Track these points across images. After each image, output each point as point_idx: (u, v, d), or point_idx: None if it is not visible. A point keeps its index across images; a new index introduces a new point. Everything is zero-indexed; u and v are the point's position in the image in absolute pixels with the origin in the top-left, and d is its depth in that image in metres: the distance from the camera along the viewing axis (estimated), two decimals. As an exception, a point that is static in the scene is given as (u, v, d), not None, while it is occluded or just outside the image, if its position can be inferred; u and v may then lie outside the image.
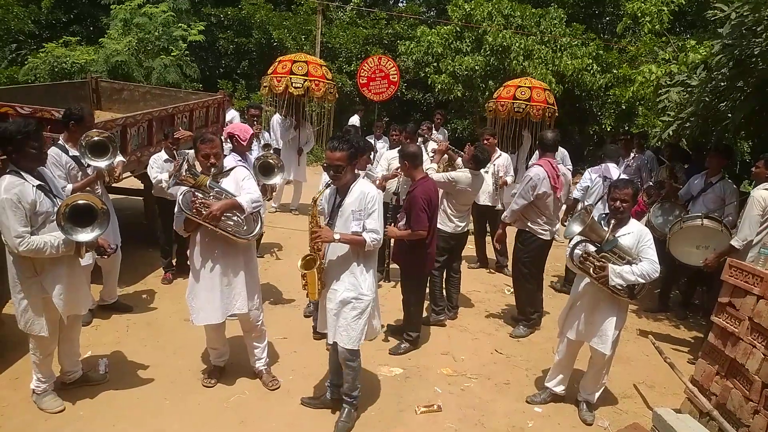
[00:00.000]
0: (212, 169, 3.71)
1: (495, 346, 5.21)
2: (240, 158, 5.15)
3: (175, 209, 3.72)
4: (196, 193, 3.64)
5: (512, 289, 6.32)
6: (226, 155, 5.09)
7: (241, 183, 3.81)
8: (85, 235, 3.29)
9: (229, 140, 5.35)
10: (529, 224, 5.29)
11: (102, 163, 4.41)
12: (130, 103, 8.00)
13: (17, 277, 3.37)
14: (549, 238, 5.36)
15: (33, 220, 3.26)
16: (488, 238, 7.47)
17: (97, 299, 4.96)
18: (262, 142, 7.05)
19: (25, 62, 13.41)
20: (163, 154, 5.61)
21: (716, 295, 3.97)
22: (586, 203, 6.49)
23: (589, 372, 4.14)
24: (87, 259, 4.10)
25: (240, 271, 3.83)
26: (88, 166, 4.51)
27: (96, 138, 4.37)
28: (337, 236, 3.44)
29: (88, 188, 4.51)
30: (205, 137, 3.77)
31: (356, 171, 4.55)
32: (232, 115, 9.39)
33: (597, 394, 4.13)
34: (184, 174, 3.66)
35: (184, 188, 3.67)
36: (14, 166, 3.29)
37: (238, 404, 3.89)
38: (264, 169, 4.95)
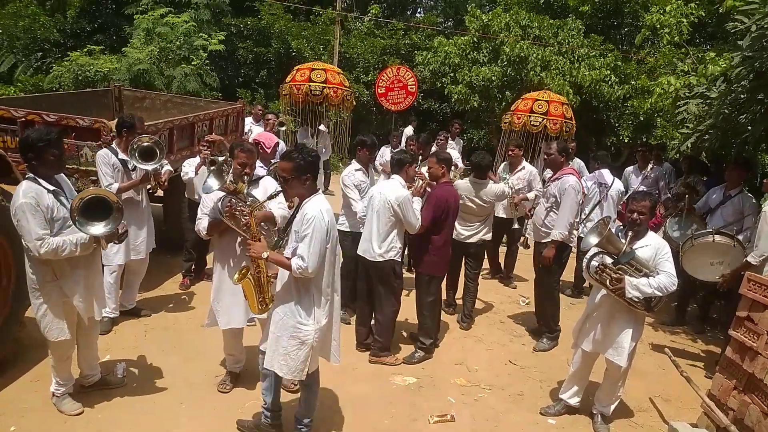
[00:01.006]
0: (245, 177, 3.84)
1: (509, 357, 5.19)
2: (263, 165, 5.30)
3: (199, 211, 3.83)
4: (233, 200, 3.71)
5: (527, 300, 6.29)
6: None
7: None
8: (98, 229, 3.30)
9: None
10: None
11: (148, 167, 4.64)
12: (152, 111, 8.12)
13: (36, 282, 3.42)
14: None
15: (50, 225, 3.31)
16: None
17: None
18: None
19: (50, 70, 13.69)
20: (197, 159, 5.77)
21: (734, 309, 3.93)
22: (585, 210, 6.47)
23: (604, 384, 4.11)
24: (120, 260, 4.67)
25: None
26: (134, 168, 4.72)
27: (146, 143, 4.60)
28: (265, 254, 3.22)
29: (131, 190, 4.78)
30: (245, 146, 3.96)
31: (403, 183, 4.63)
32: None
33: (612, 407, 4.09)
34: (228, 182, 3.75)
35: (220, 193, 3.72)
36: (32, 173, 3.37)
37: (253, 409, 3.91)
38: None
